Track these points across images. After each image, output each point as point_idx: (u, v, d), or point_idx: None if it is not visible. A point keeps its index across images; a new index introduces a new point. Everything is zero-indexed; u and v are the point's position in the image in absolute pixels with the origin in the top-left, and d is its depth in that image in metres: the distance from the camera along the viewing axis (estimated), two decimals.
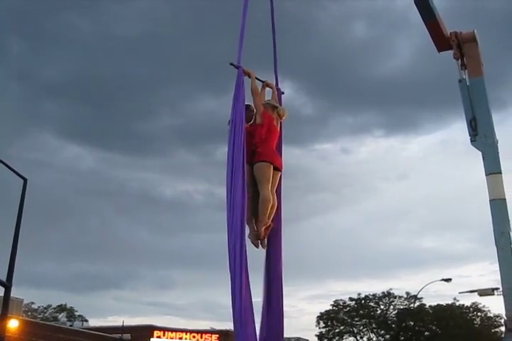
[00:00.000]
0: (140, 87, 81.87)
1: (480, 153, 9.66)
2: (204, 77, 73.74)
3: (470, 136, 9.81)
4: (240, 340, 6.26)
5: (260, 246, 7.56)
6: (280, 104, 8.42)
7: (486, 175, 9.49)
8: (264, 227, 7.41)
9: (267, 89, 8.47)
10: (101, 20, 79.46)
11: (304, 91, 65.23)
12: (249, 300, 6.53)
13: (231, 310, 6.33)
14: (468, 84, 10.12)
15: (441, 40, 10.49)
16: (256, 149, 7.65)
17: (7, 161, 18.69)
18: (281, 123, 8.24)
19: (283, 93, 8.86)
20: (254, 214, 7.50)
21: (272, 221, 7.60)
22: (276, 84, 8.76)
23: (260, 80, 8.27)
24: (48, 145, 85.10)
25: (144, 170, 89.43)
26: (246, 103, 7.69)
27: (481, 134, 9.70)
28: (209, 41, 67.24)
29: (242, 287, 6.40)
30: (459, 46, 10.31)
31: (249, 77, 7.89)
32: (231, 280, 6.47)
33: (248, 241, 7.21)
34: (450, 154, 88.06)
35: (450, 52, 10.44)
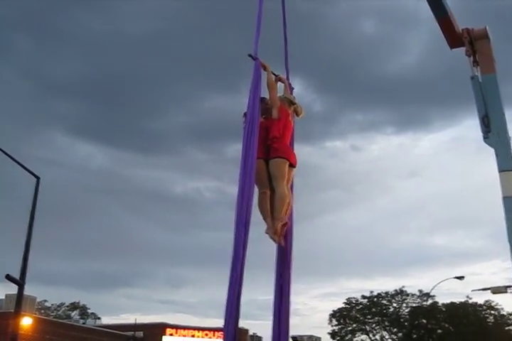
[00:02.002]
0: (150, 84, 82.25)
1: (491, 150, 9.61)
2: (214, 74, 73.96)
3: (482, 133, 9.73)
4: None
5: (278, 242, 7.49)
6: None
7: (499, 172, 9.44)
8: (280, 224, 7.36)
9: (279, 83, 8.40)
10: (111, 18, 79.88)
11: (314, 89, 65.13)
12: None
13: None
14: (480, 81, 10.05)
15: (453, 37, 10.41)
16: (272, 144, 7.56)
17: (19, 160, 18.80)
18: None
19: (293, 88, 8.83)
20: (272, 209, 7.43)
21: (288, 218, 7.57)
22: (287, 78, 8.70)
23: (274, 74, 8.17)
24: (59, 143, 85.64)
25: (155, 168, 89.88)
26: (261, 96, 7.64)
27: (494, 131, 9.63)
28: (219, 39, 67.43)
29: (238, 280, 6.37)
30: (471, 43, 10.23)
31: (265, 70, 7.78)
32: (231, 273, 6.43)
33: (262, 237, 7.22)
34: (461, 151, 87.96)
35: (460, 49, 10.37)
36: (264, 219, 7.36)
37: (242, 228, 6.54)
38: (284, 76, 8.57)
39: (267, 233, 7.32)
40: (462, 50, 10.31)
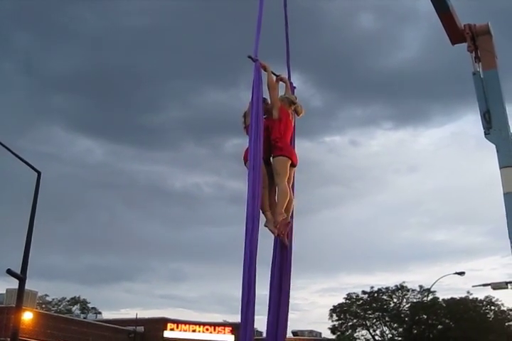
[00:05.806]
0: (149, 79, 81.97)
1: (492, 145, 9.61)
2: (213, 69, 73.80)
3: (484, 129, 9.74)
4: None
5: (278, 236, 7.59)
6: None
7: (500, 168, 9.44)
8: (281, 218, 7.36)
9: (280, 83, 8.39)
10: (109, 12, 79.53)
11: (312, 83, 64.94)
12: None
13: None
14: (482, 76, 10.04)
15: (455, 32, 10.40)
16: (276, 144, 7.63)
17: (19, 154, 18.80)
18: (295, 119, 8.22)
19: (295, 88, 8.81)
20: (271, 203, 7.56)
21: (291, 217, 7.68)
22: (289, 78, 8.70)
23: (275, 74, 8.15)
24: (57, 138, 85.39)
25: (154, 162, 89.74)
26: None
27: (495, 127, 9.63)
28: (218, 34, 67.32)
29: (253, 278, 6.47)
30: (472, 39, 10.22)
31: (265, 70, 7.75)
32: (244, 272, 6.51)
33: (263, 231, 7.24)
34: (461, 147, 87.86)
35: (460, 45, 10.36)
36: (264, 213, 7.38)
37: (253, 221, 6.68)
38: (285, 75, 8.57)
39: (266, 226, 7.34)
40: (463, 45, 10.31)
